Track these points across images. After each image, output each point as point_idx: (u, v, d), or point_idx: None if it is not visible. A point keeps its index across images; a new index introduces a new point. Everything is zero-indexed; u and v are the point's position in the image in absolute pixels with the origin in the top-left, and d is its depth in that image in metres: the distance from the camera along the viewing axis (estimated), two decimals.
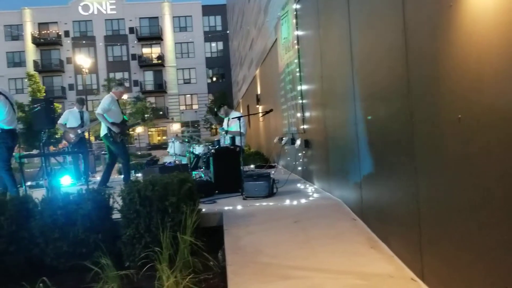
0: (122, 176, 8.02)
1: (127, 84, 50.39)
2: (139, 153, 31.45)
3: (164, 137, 53.85)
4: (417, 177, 2.81)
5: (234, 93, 35.94)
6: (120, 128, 7.50)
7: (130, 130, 43.89)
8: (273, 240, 3.87)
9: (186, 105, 54.96)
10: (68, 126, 9.30)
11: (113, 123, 7.48)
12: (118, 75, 50.42)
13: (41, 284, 3.40)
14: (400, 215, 3.21)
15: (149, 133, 53.42)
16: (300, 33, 6.68)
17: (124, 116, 7.94)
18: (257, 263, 3.38)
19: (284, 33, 7.94)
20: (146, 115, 41.33)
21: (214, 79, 56.09)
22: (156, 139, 54.40)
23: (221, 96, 45.48)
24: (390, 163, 3.35)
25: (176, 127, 51.61)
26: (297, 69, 6.79)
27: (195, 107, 54.42)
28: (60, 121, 9.41)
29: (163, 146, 50.28)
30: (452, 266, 2.41)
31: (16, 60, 53.08)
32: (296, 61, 6.83)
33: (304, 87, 6.61)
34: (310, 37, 6.10)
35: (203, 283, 3.43)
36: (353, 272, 3.12)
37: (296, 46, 6.81)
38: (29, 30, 52.37)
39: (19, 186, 6.71)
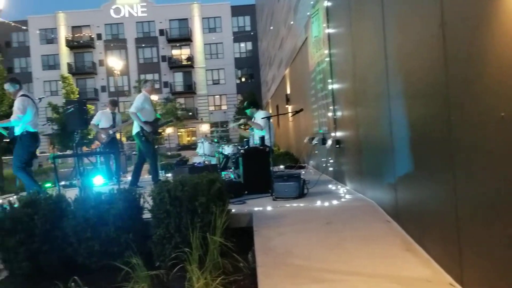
0: (151, 176, 8.07)
1: (157, 86, 51.00)
2: (169, 154, 31.83)
3: (193, 138, 54.30)
4: (455, 178, 2.68)
5: (263, 93, 35.91)
6: (152, 127, 7.56)
7: (161, 130, 44.61)
8: (304, 242, 3.78)
9: (215, 105, 55.25)
10: (100, 127, 9.43)
11: (146, 122, 7.54)
12: (149, 77, 51.02)
13: (72, 283, 3.40)
14: (437, 217, 3.08)
15: (179, 133, 53.94)
16: (331, 31, 6.57)
17: (157, 115, 7.98)
18: (288, 265, 3.30)
19: (314, 31, 7.83)
20: (179, 113, 41.64)
21: (243, 79, 56.20)
22: (186, 139, 54.90)
23: (250, 97, 45.50)
24: (426, 163, 3.22)
25: (205, 127, 51.92)
26: (328, 68, 6.68)
27: (224, 107, 54.65)
28: (93, 122, 9.56)
29: (192, 146, 50.72)
30: (495, 271, 2.28)
31: (51, 63, 54.45)
32: (327, 59, 6.72)
33: (336, 85, 6.49)
34: (342, 35, 5.98)
35: (233, 285, 3.38)
36: (388, 275, 3.00)
37: (327, 44, 6.70)
38: (63, 33, 53.67)
39: (53, 185, 6.87)
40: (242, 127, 9.60)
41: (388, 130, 4.07)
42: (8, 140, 6.77)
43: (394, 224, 4.03)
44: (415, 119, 3.41)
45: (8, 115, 21.20)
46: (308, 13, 8.58)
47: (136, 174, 7.97)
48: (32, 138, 6.67)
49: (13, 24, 26.35)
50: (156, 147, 8.08)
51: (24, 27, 40.74)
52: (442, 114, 2.81)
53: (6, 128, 6.85)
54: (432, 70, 2.96)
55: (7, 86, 6.88)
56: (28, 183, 6.61)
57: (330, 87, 6.69)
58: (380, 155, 4.51)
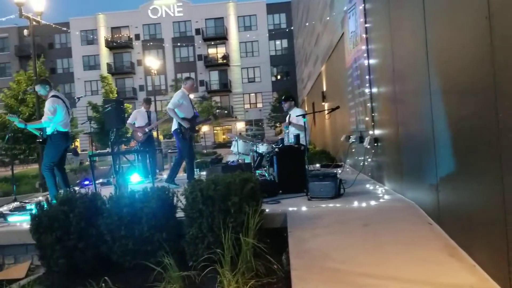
0: (186, 174, 8.05)
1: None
2: (205, 152, 32.05)
3: (229, 136, 54.52)
4: (504, 179, 2.49)
5: (298, 90, 35.66)
6: (190, 123, 7.56)
7: (199, 127, 44.95)
8: (341, 244, 3.64)
9: (250, 103, 55.29)
10: (136, 125, 9.52)
11: (183, 118, 7.55)
12: (185, 76, 51.54)
13: (103, 284, 3.38)
14: (484, 221, 2.89)
15: (215, 131, 54.27)
16: (369, 25, 6.37)
17: (195, 112, 7.96)
18: (324, 268, 3.17)
19: (351, 26, 7.63)
20: (217, 111, 41.77)
21: (279, 77, 55.98)
22: (221, 137, 55.17)
23: (286, 94, 45.26)
24: (472, 164, 3.03)
25: (240, 125, 52.05)
26: (366, 64, 6.48)
27: (259, 105, 54.60)
28: (129, 120, 9.66)
29: (227, 144, 50.98)
30: None
31: (91, 63, 55.77)
32: (365, 55, 6.52)
33: (374, 82, 6.28)
34: (380, 29, 5.78)
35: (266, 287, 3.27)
36: (431, 282, 2.83)
37: (365, 40, 6.49)
38: (102, 34, 54.85)
39: (90, 183, 6.95)
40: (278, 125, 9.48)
41: (430, 129, 3.87)
42: (41, 140, 6.86)
43: (436, 227, 3.84)
44: (459, 117, 3.21)
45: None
46: (345, 8, 8.38)
47: (174, 170, 7.99)
48: (62, 137, 6.73)
49: (54, 26, 26.97)
50: (193, 144, 8.04)
51: (66, 29, 41.76)
52: (488, 111, 2.62)
53: (39, 129, 6.97)
54: (479, 65, 2.77)
55: (37, 88, 7.01)
56: (50, 186, 6.71)
57: (367, 83, 6.49)
58: (421, 155, 4.31)
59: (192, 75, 53.31)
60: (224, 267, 3.07)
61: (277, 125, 48.91)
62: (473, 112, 2.94)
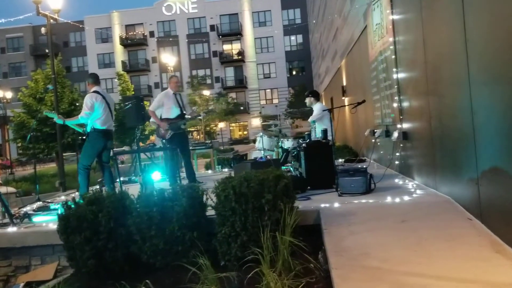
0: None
1: (208, 81, 51.48)
2: (222, 148, 32.00)
3: (245, 132, 54.50)
4: None
5: (315, 86, 35.44)
6: (173, 123, 7.42)
7: (210, 124, 44.95)
8: (380, 242, 3.52)
9: (266, 99, 55.21)
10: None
11: (164, 119, 7.45)
12: (201, 72, 51.68)
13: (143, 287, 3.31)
14: None
15: (231, 128, 54.27)
16: (396, 17, 6.20)
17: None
18: (365, 267, 3.05)
19: (376, 19, 7.46)
20: (230, 107, 41.58)
21: (294, 72, 55.79)
22: (238, 134, 55.19)
23: (302, 90, 45.13)
24: None
25: (256, 122, 51.98)
26: (393, 56, 6.32)
27: (275, 101, 54.50)
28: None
29: (244, 140, 50.95)
30: None
31: (106, 61, 56.13)
32: (391, 47, 6.36)
33: (402, 75, 6.12)
34: (410, 20, 5.62)
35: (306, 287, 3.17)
36: (479, 280, 2.70)
37: (392, 31, 6.34)
38: (117, 32, 55.14)
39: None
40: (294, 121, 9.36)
41: (469, 120, 3.72)
42: (84, 137, 6.71)
43: (478, 223, 3.70)
44: (506, 107, 3.06)
45: (68, 112, 22.06)
46: (368, 1, 8.21)
47: (188, 171, 7.84)
48: (99, 135, 6.53)
49: (72, 23, 27.12)
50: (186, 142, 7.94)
51: (82, 26, 42.13)
52: None
53: (81, 126, 6.85)
54: None
55: (87, 81, 6.87)
56: (80, 184, 6.59)
57: (395, 76, 6.33)
58: (458, 148, 4.16)
59: (208, 71, 53.41)
60: (263, 267, 2.97)
61: (293, 120, 48.78)
62: None
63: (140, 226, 4.11)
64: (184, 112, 7.66)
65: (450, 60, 4.23)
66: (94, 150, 6.56)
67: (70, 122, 7.05)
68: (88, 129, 6.53)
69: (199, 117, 20.10)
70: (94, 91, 6.59)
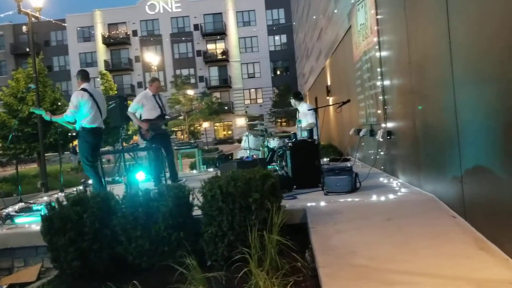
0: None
1: (192, 81, 51.31)
2: (206, 148, 31.88)
3: (229, 132, 54.42)
4: None
5: (299, 85, 35.51)
6: (154, 124, 7.43)
7: (194, 124, 44.73)
8: (366, 240, 3.55)
9: (250, 99, 55.17)
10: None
11: (144, 120, 7.43)
12: (184, 72, 51.42)
13: None
14: None
15: (215, 128, 54.13)
16: (381, 17, 6.25)
17: (164, 112, 7.76)
18: (353, 265, 3.08)
19: (360, 19, 7.51)
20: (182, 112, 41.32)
21: (278, 72, 55.85)
22: (222, 133, 55.08)
23: (286, 90, 45.24)
24: (504, 154, 2.93)
25: (241, 121, 51.96)
26: (378, 56, 6.37)
27: (259, 101, 54.51)
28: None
29: (228, 140, 50.87)
30: None
31: (88, 61, 55.47)
32: (376, 47, 6.41)
33: (386, 74, 6.17)
34: (394, 20, 5.67)
35: (294, 287, 3.18)
36: (465, 277, 2.74)
37: (376, 32, 6.38)
38: (99, 31, 54.55)
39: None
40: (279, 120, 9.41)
41: (453, 119, 3.77)
42: (75, 134, 6.60)
43: (462, 220, 3.75)
44: (489, 106, 3.11)
45: (50, 112, 21.76)
46: (353, 1, 8.27)
47: (171, 170, 7.83)
48: (89, 134, 6.45)
49: (54, 21, 26.74)
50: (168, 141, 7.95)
51: (63, 25, 41.58)
52: None
53: (72, 123, 6.74)
54: None
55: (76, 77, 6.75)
56: (94, 182, 6.51)
57: (379, 76, 6.38)
58: (442, 147, 4.21)
59: (192, 71, 53.18)
60: (251, 267, 2.97)
61: (278, 120, 48.89)
62: (505, 101, 2.85)
63: (126, 226, 4.08)
64: (164, 112, 7.64)
65: (434, 60, 4.28)
66: (89, 147, 6.46)
67: (58, 120, 6.96)
68: (77, 127, 6.46)
69: (180, 117, 19.95)
70: (82, 89, 6.50)
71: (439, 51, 4.04)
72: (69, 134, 6.68)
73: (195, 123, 46.19)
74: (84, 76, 6.69)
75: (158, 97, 7.70)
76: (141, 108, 7.51)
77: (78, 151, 6.65)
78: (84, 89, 6.50)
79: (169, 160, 7.77)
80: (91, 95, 6.47)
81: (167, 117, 7.83)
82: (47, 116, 6.75)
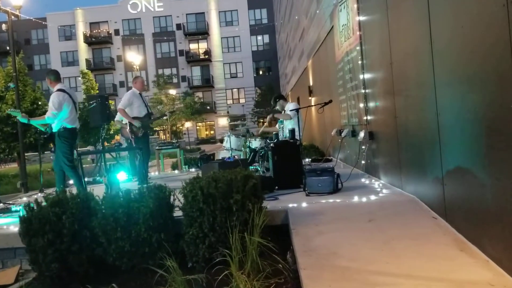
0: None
1: (175, 80, 51.07)
2: (189, 148, 31.75)
3: (211, 132, 54.32)
4: None
5: (282, 85, 35.62)
6: (142, 122, 7.46)
7: (176, 124, 44.49)
8: (348, 241, 3.54)
9: (233, 99, 55.20)
10: (124, 122, 9.27)
11: (135, 117, 7.44)
12: (167, 71, 51.19)
13: None
14: (498, 214, 2.81)
15: (197, 127, 53.97)
16: (363, 18, 6.27)
17: (149, 110, 7.81)
18: (334, 266, 3.06)
19: (342, 20, 7.53)
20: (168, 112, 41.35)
21: (261, 72, 55.95)
22: (204, 133, 54.95)
23: (269, 89, 45.29)
24: (484, 155, 2.95)
25: (223, 121, 51.88)
26: (359, 57, 6.39)
27: (242, 101, 54.55)
28: (117, 118, 9.41)
29: (211, 140, 50.76)
30: None
31: (70, 60, 54.92)
32: (358, 48, 6.43)
33: (368, 75, 6.20)
34: (376, 21, 5.69)
35: None
36: (446, 279, 2.75)
37: (358, 33, 6.40)
38: (81, 29, 53.98)
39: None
40: (265, 122, 9.39)
41: (434, 121, 3.79)
42: (46, 136, 6.52)
43: (442, 222, 3.77)
44: (470, 108, 3.12)
45: (30, 112, 21.43)
46: (334, 2, 8.29)
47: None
48: (70, 134, 6.45)
49: (34, 20, 26.34)
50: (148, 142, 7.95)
51: (44, 23, 41.01)
52: (503, 102, 2.54)
53: (44, 125, 6.67)
54: (493, 54, 2.69)
55: (47, 78, 6.67)
56: (76, 183, 6.45)
57: (361, 77, 6.40)
58: (423, 148, 4.23)
59: (174, 70, 52.98)
60: (232, 269, 2.93)
61: (260, 120, 48.91)
62: (487, 103, 2.86)
63: (106, 228, 4.01)
64: (151, 111, 7.68)
65: (415, 60, 4.30)
66: (71, 148, 6.44)
67: (35, 122, 6.85)
68: (56, 129, 6.37)
69: (165, 117, 19.86)
70: (60, 90, 6.41)
71: (420, 52, 4.06)
72: (42, 136, 6.54)
73: (177, 123, 46.00)
74: (57, 76, 6.65)
75: (143, 96, 7.75)
76: (130, 105, 7.51)
77: (55, 152, 6.56)
78: (62, 90, 6.44)
79: (146, 160, 7.78)
80: (70, 95, 6.44)
81: (153, 117, 7.85)
82: (24, 119, 6.63)
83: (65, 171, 6.47)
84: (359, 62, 6.43)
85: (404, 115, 4.79)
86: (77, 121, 6.56)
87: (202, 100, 50.86)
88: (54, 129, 6.38)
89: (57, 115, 6.29)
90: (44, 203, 4.20)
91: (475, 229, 3.21)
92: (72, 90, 6.76)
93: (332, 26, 8.80)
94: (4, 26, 15.25)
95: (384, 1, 5.19)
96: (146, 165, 7.81)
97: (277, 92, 28.40)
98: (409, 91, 4.59)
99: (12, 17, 14.07)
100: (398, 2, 4.77)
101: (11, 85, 13.45)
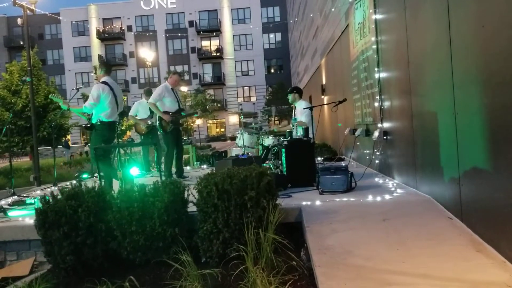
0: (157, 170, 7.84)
1: (186, 77, 51.19)
2: (199, 145, 31.84)
3: (222, 129, 54.37)
4: None
5: (293, 84, 35.51)
6: (173, 117, 7.43)
7: (188, 121, 44.63)
8: (362, 240, 3.53)
9: (244, 97, 55.17)
10: (138, 117, 9.33)
11: (165, 112, 7.42)
12: (178, 68, 51.31)
13: (127, 284, 3.23)
14: None
15: (208, 125, 54.06)
16: (379, 16, 6.24)
17: (181, 106, 7.77)
18: (349, 265, 3.06)
19: (358, 18, 7.50)
20: (207, 106, 41.62)
21: (272, 70, 55.86)
22: (215, 131, 55.02)
23: (280, 87, 45.23)
24: (503, 156, 2.92)
25: (234, 119, 51.92)
26: (375, 56, 6.35)
27: (253, 99, 54.49)
28: (131, 113, 9.47)
29: (221, 138, 50.81)
30: None
31: (82, 55, 55.25)
32: (374, 47, 6.39)
33: (384, 74, 6.16)
34: (393, 20, 5.65)
35: (290, 285, 3.15)
36: (462, 279, 2.73)
37: (374, 31, 6.37)
38: (94, 25, 54.30)
39: (95, 176, 6.70)
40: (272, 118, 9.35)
41: (451, 121, 3.76)
42: (88, 126, 6.50)
43: (458, 222, 3.74)
44: (488, 108, 3.10)
45: (43, 106, 21.61)
46: (350, 0, 8.25)
47: (177, 165, 7.80)
48: (106, 128, 6.39)
49: (49, 15, 26.53)
50: (180, 137, 7.89)
51: (58, 18, 41.29)
52: None
53: (85, 113, 6.70)
54: None
55: (98, 69, 6.72)
56: (105, 175, 6.41)
57: (376, 76, 6.37)
58: (440, 148, 4.20)
59: (186, 67, 53.09)
60: (248, 264, 2.93)
61: (271, 118, 48.86)
62: (504, 104, 2.83)
63: (121, 221, 4.04)
64: (182, 107, 7.67)
65: (433, 60, 4.26)
66: (101, 142, 6.40)
67: (75, 110, 6.97)
68: (94, 121, 6.39)
69: (196, 114, 20.02)
70: (103, 82, 6.43)
71: (439, 51, 4.02)
72: (83, 125, 6.62)
73: (188, 120, 46.15)
74: (107, 69, 6.65)
75: (175, 91, 7.75)
76: (161, 100, 7.50)
77: (89, 143, 6.60)
78: (105, 82, 6.41)
79: (178, 156, 7.75)
80: (111, 89, 6.40)
81: (183, 113, 7.83)
82: (64, 106, 6.71)
83: (92, 161, 6.48)
84: (375, 60, 6.39)
85: (421, 114, 4.76)
86: (115, 115, 6.48)
87: (213, 98, 50.91)
88: (93, 121, 6.40)
89: (94, 106, 6.29)
90: (59, 196, 4.23)
91: (492, 230, 3.18)
92: (116, 85, 6.68)
93: (348, 24, 8.76)
94: (19, 21, 15.38)
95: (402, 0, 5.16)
96: (180, 161, 7.78)
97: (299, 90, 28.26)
98: (426, 90, 4.55)
99: (27, 11, 14.22)
100: (416, 0, 4.74)
101: (27, 79, 13.56)
